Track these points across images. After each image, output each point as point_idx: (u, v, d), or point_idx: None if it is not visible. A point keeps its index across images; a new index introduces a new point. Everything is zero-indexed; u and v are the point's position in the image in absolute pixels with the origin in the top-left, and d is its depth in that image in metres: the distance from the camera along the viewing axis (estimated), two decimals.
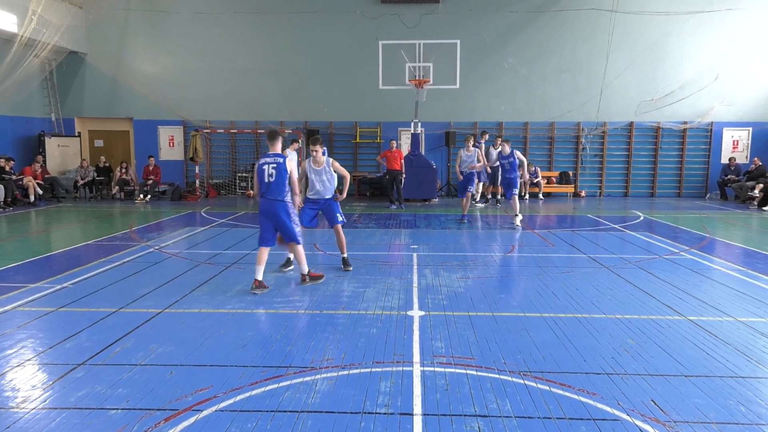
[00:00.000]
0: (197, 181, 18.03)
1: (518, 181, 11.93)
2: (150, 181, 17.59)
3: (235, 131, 19.04)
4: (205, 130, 18.77)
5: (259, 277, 6.60)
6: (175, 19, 19.00)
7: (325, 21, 18.89)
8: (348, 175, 7.66)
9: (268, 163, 6.50)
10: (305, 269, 6.97)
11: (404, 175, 15.59)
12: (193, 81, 19.14)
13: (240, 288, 6.78)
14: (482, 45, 18.57)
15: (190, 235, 10.90)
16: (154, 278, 7.26)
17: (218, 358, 4.59)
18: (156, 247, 9.41)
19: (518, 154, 11.88)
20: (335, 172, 7.63)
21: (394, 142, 15.92)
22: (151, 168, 17.87)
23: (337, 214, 7.68)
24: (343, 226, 7.85)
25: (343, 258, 7.86)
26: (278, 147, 6.63)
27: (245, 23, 19.00)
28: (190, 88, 19.17)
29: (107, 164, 18.86)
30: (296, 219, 6.77)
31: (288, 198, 6.62)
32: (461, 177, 12.44)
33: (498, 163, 13.26)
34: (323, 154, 7.53)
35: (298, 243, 6.70)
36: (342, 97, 19.13)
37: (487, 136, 16.28)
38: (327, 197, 7.69)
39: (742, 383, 4.15)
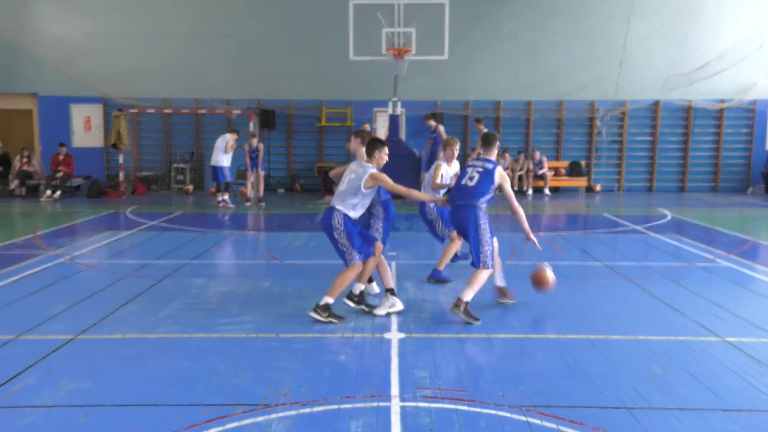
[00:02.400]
0: (121, 174, 17.82)
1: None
2: (60, 174, 17.33)
3: (170, 111, 18.85)
4: (131, 110, 18.54)
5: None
6: None
7: None
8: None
9: (475, 166, 6.64)
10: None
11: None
12: (117, 48, 18.89)
13: (175, 306, 6.71)
14: (476, 6, 18.67)
15: (111, 241, 10.75)
16: (65, 296, 7.13)
17: (146, 395, 4.52)
18: (67, 257, 9.26)
19: (441, 129, 10.88)
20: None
21: (368, 125, 15.92)
22: (61, 157, 17.62)
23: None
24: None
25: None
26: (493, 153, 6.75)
27: None
28: (112, 58, 18.92)
29: (4, 152, 18.49)
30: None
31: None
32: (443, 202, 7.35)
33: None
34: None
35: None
36: (304, 70, 19.08)
37: (482, 126, 16.48)
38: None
39: None
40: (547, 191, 18.36)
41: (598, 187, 19.18)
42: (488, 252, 6.45)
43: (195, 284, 7.70)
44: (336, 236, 6.23)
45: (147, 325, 6.11)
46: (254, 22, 18.95)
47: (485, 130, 14.64)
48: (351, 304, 6.52)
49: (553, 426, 4.06)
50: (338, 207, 6.25)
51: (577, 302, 7.06)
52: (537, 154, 18.28)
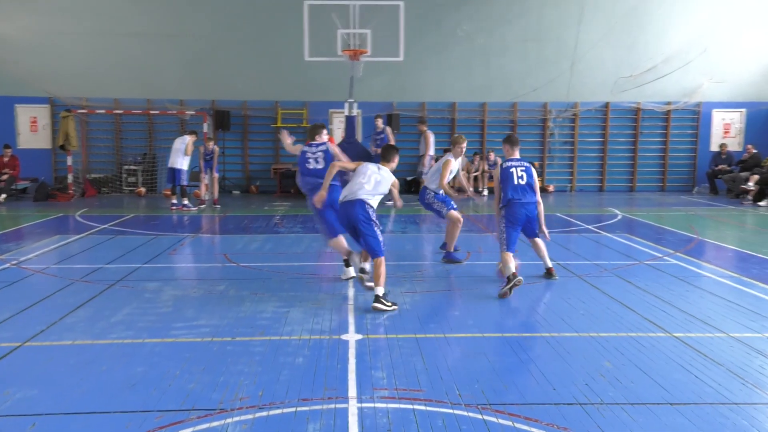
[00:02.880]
0: (70, 176, 17.40)
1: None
2: (5, 176, 16.90)
3: (121, 112, 18.49)
4: (80, 111, 18.13)
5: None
6: None
7: None
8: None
9: (516, 167, 7.68)
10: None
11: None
12: (64, 47, 18.46)
13: (128, 311, 6.58)
14: (431, 8, 18.81)
15: (60, 245, 10.50)
16: (11, 302, 6.94)
17: (98, 402, 4.43)
18: (13, 262, 9.02)
19: (389, 130, 11.68)
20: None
21: (325, 126, 15.87)
22: (6, 159, 17.18)
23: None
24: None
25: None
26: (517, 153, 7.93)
27: None
28: (59, 56, 18.48)
29: None
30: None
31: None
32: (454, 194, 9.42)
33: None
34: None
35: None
36: (259, 71, 18.93)
37: (425, 127, 16.82)
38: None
39: (736, 411, 4.36)
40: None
41: (551, 188, 19.51)
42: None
43: (148, 288, 7.57)
44: (366, 225, 6.93)
45: (98, 331, 5.98)
46: (207, 22, 18.72)
47: (428, 131, 15.78)
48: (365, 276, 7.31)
49: (509, 423, 4.12)
50: (369, 201, 7.01)
51: (531, 301, 7.17)
52: (492, 156, 18.50)
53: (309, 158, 7.87)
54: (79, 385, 4.71)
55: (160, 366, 5.10)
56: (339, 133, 18.13)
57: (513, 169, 7.64)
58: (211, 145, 15.71)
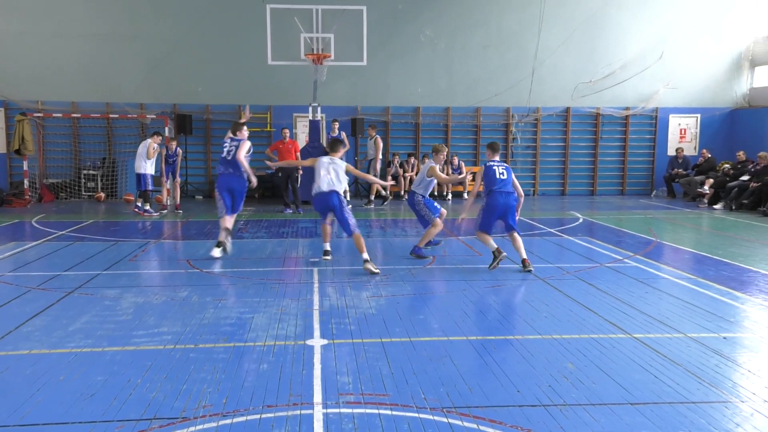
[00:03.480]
0: (26, 181, 16.98)
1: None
2: None
3: (79, 116, 18.13)
4: (36, 114, 17.72)
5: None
6: None
7: None
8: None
9: (497, 166, 9.09)
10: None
11: (301, 172, 15.57)
12: (18, 49, 18.04)
13: (87, 319, 6.45)
14: (394, 12, 18.89)
15: (15, 252, 10.25)
16: None
17: (56, 413, 4.33)
18: None
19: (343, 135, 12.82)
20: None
21: (287, 130, 15.83)
22: None
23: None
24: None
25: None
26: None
27: None
28: (13, 58, 18.05)
29: None
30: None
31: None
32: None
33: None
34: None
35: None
36: (221, 75, 18.75)
37: (374, 132, 17.27)
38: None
39: (693, 409, 4.46)
40: (465, 196, 18.71)
41: None
42: None
43: (108, 296, 7.44)
44: (340, 211, 8.89)
45: (56, 340, 5.84)
46: (168, 24, 18.48)
47: (377, 136, 16.31)
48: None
49: (474, 426, 4.15)
50: (338, 189, 8.96)
51: (495, 304, 7.24)
52: (455, 160, 18.60)
53: (225, 148, 9.89)
54: (36, 396, 4.60)
55: (121, 375, 5.01)
56: (303, 137, 18.03)
57: (495, 167, 9.02)
58: (174, 145, 15.50)
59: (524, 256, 8.83)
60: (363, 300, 7.24)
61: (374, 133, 17.26)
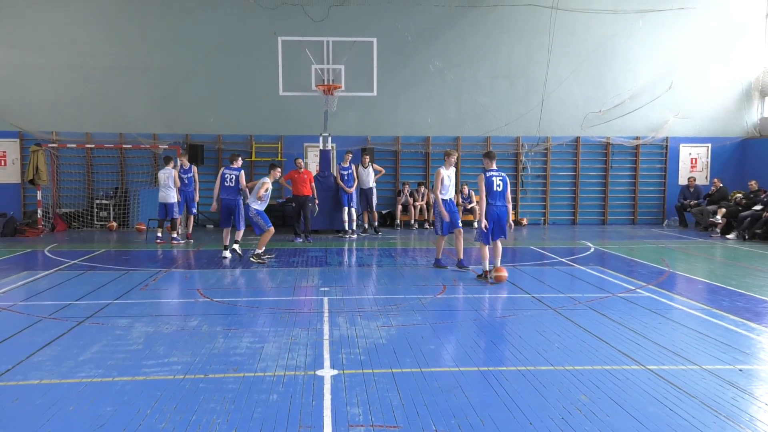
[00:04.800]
0: (39, 211, 17.13)
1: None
2: None
3: (92, 146, 18.34)
4: (50, 145, 17.94)
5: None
6: None
7: (209, 9, 18.80)
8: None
9: (495, 176, 9.92)
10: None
11: (317, 201, 15.59)
12: (34, 80, 18.36)
13: (97, 349, 6.45)
14: (403, 44, 19.09)
15: (28, 281, 10.30)
16: None
17: None
18: None
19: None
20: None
21: (301, 160, 15.91)
22: None
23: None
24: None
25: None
26: None
27: (105, 7, 18.58)
28: (29, 90, 18.37)
29: None
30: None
31: None
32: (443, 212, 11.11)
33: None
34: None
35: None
36: (233, 105, 18.98)
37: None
38: None
39: None
40: (475, 225, 18.67)
41: (524, 221, 19.67)
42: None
43: (118, 325, 7.44)
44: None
45: (66, 370, 5.84)
46: (180, 55, 18.77)
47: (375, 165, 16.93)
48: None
49: None
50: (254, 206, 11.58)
51: (507, 334, 7.18)
52: (466, 189, 18.62)
53: (226, 178, 12.78)
54: (46, 426, 4.59)
55: (130, 405, 4.99)
56: (314, 167, 18.13)
57: (494, 178, 9.83)
58: (186, 162, 15.66)
59: (498, 264, 9.93)
60: (373, 330, 7.20)
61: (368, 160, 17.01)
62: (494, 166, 10.02)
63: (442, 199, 11.00)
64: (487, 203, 9.77)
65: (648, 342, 6.78)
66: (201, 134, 19.02)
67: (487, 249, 10.01)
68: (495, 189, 9.82)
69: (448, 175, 11.08)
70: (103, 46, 18.55)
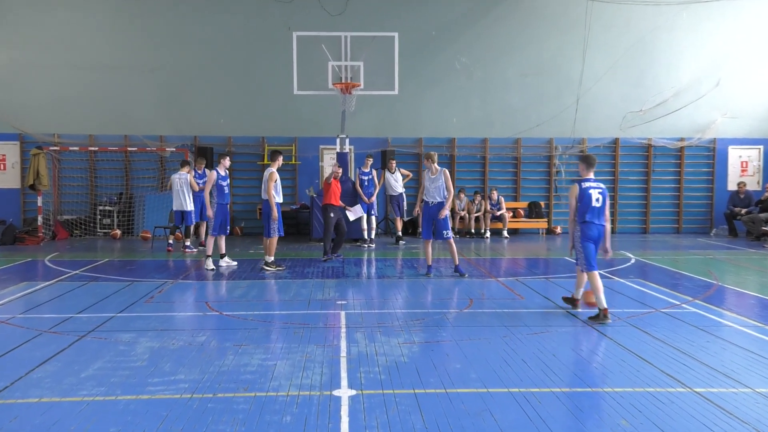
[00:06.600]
0: (40, 218, 17.36)
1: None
2: None
3: (96, 149, 18.57)
4: (52, 148, 18.20)
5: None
6: None
7: (219, 3, 18.95)
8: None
9: (594, 188, 8.52)
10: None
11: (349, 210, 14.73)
12: (35, 81, 18.67)
13: (100, 365, 6.50)
14: (426, 39, 19.13)
15: (27, 293, 10.42)
16: None
17: None
18: None
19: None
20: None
21: (340, 169, 14.78)
22: None
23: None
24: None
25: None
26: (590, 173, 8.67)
27: (108, 3, 18.84)
28: (30, 91, 18.68)
29: None
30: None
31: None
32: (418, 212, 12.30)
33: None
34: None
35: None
36: (244, 106, 19.13)
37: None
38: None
39: None
40: (505, 233, 18.63)
41: (558, 229, 19.54)
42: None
43: (122, 340, 7.49)
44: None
45: (67, 387, 5.89)
46: (188, 53, 18.96)
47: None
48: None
49: None
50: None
51: (539, 352, 7.11)
52: (494, 194, 18.58)
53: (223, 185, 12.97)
54: None
55: (135, 425, 5.02)
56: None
57: (591, 191, 8.52)
58: (202, 166, 15.83)
59: (582, 289, 8.87)
60: (394, 346, 7.18)
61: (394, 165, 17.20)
62: (592, 175, 8.69)
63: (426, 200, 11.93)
64: (585, 221, 8.47)
65: (695, 362, 6.69)
66: (210, 136, 19.18)
67: (597, 276, 8.47)
68: (594, 204, 8.45)
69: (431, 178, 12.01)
70: (107, 44, 18.81)
